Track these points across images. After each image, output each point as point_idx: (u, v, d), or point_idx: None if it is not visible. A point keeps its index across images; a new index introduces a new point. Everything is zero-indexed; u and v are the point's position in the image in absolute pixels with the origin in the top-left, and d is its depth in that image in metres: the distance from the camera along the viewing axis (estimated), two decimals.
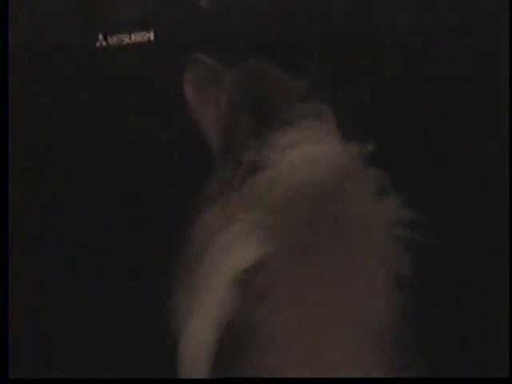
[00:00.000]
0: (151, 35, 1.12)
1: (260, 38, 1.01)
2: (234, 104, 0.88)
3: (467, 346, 0.97)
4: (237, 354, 0.76)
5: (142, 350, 1.03)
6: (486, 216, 1.06)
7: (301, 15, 1.14)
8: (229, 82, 0.90)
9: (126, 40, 1.12)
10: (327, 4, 1.15)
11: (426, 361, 0.75)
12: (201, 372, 0.79)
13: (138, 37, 1.12)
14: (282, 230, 0.80)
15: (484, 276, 1.03)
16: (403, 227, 0.79)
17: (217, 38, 1.07)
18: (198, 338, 0.81)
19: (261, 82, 0.89)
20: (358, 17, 1.15)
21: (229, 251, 0.82)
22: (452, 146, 1.10)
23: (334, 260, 0.77)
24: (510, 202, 1.02)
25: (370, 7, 1.15)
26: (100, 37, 1.11)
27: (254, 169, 0.84)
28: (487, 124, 1.12)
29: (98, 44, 1.11)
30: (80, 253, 1.12)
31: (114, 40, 1.11)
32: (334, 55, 1.11)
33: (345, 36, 1.13)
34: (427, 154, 1.09)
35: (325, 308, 0.75)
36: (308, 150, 0.83)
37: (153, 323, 0.87)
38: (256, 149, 0.84)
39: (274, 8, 1.14)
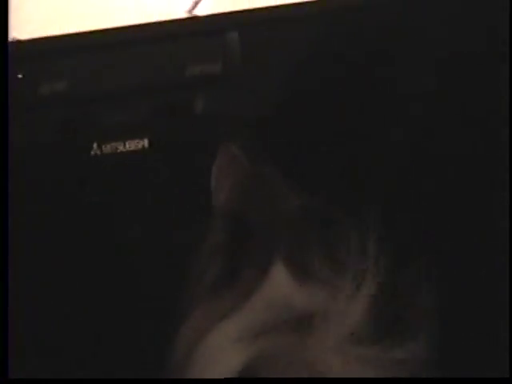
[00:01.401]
0: (145, 142, 1.13)
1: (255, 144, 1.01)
2: None
3: (467, 345, 0.97)
4: None
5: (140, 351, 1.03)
6: (486, 216, 1.06)
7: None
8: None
9: (121, 148, 1.13)
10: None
11: (426, 361, 0.76)
12: None
13: (133, 144, 1.13)
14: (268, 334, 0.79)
15: (484, 276, 1.03)
16: None
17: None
18: None
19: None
20: None
21: (212, 360, 0.82)
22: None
23: None
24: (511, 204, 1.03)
25: None
26: (94, 145, 1.12)
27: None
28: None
29: (92, 152, 1.12)
30: (80, 253, 1.12)
31: (108, 148, 1.12)
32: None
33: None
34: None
35: None
36: None
37: None
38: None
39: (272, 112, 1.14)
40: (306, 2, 1.16)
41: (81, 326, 1.07)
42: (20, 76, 1.09)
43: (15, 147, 1.00)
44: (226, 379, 0.75)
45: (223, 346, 0.81)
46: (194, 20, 1.22)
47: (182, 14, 1.23)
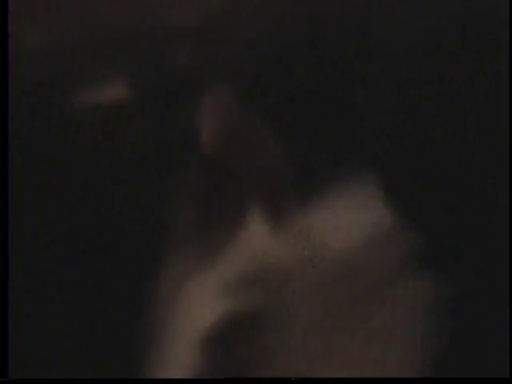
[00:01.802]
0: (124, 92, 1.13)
1: None
2: None
3: (467, 346, 0.97)
4: None
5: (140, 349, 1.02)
6: (486, 216, 1.06)
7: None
8: None
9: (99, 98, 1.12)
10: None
11: (426, 361, 0.75)
12: None
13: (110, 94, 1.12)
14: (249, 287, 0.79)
15: (483, 275, 1.03)
16: None
17: None
18: None
19: None
20: None
21: (189, 313, 0.81)
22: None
23: None
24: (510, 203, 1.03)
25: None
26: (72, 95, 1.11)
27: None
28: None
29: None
30: (80, 252, 1.12)
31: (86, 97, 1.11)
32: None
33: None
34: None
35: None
36: None
37: None
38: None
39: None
40: None
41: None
42: None
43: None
44: (226, 379, 0.74)
45: (201, 300, 0.80)
46: None
47: None
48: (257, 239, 0.80)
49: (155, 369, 0.80)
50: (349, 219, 0.82)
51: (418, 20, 1.17)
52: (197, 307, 0.78)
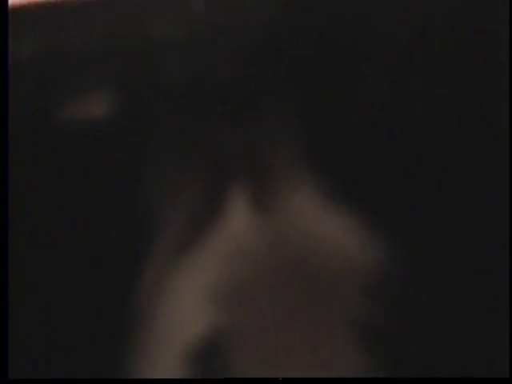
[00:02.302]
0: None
1: None
2: None
3: (467, 345, 0.97)
4: None
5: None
6: (485, 213, 1.06)
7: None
8: None
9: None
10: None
11: (426, 361, 0.75)
12: None
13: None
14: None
15: (483, 275, 1.03)
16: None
17: None
18: None
19: None
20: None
21: (172, 321, 0.80)
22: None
23: None
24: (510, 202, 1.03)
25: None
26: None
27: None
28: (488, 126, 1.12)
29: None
30: (80, 252, 1.12)
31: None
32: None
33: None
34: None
35: None
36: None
37: None
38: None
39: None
40: None
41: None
42: None
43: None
44: (226, 379, 0.74)
45: (183, 308, 0.79)
46: None
47: None
48: (240, 228, 0.78)
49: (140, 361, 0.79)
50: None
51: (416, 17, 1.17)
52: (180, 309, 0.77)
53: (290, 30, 1.13)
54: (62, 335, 1.11)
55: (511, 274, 1.00)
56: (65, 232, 1.12)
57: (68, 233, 1.11)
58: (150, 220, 0.85)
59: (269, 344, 0.71)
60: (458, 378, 0.79)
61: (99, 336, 1.07)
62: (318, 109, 1.06)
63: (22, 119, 1.09)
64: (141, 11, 1.16)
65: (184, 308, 0.75)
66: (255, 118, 0.85)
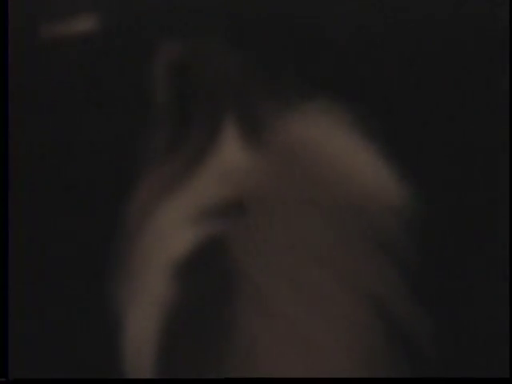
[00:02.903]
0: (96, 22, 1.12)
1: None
2: None
3: (467, 345, 0.97)
4: (180, 344, 0.73)
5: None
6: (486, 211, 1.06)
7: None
8: None
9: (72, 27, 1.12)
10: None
11: (426, 361, 0.75)
12: (145, 362, 0.76)
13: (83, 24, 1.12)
14: (224, 212, 0.75)
15: (484, 275, 1.03)
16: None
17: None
18: (139, 326, 0.78)
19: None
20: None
21: (162, 238, 0.78)
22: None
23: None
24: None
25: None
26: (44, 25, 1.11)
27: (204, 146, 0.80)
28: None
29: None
30: (79, 252, 1.12)
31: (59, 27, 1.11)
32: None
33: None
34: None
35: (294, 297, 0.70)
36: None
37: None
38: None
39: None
40: None
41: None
42: None
43: None
44: (226, 379, 0.74)
45: (172, 224, 0.78)
46: None
47: None
48: (231, 160, 0.78)
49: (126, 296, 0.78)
50: None
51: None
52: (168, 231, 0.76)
53: None
54: (63, 334, 1.11)
55: (511, 274, 1.00)
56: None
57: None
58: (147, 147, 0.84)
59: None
60: (458, 378, 0.79)
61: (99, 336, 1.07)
62: None
63: None
64: None
65: (172, 225, 0.76)
66: None
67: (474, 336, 0.98)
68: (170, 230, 0.78)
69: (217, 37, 0.89)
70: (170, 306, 0.74)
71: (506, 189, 1.02)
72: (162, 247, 0.78)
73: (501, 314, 0.97)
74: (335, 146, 0.78)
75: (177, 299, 0.74)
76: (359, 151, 0.78)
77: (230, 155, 0.80)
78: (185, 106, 0.82)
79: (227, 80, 0.83)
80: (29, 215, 1.09)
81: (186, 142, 0.81)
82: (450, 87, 1.10)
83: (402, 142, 0.91)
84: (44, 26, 1.12)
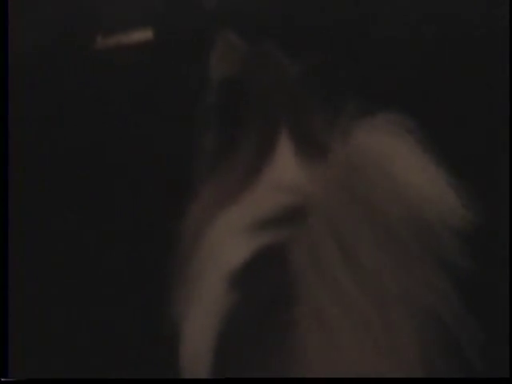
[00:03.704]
0: (149, 34, 1.13)
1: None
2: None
3: (467, 345, 0.97)
4: (238, 350, 0.73)
5: (142, 348, 1.03)
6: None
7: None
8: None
9: (125, 40, 1.12)
10: None
11: (426, 360, 0.75)
12: (202, 368, 0.77)
13: (137, 36, 1.12)
14: (278, 222, 0.76)
15: (484, 275, 1.03)
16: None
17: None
18: (197, 334, 0.79)
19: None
20: None
21: (218, 248, 0.79)
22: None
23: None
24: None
25: None
26: (99, 38, 1.11)
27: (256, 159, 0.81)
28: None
29: (96, 45, 1.12)
30: (79, 252, 1.12)
31: (112, 40, 1.12)
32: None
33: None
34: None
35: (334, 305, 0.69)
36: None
37: (153, 319, 0.86)
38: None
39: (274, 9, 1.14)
40: None
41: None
42: None
43: (16, 45, 0.97)
44: (226, 379, 0.74)
45: (229, 235, 0.79)
46: None
47: None
48: (287, 172, 0.79)
49: (181, 305, 0.79)
50: None
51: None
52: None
53: None
54: (64, 336, 1.11)
55: (511, 274, 1.00)
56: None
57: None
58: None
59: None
60: (459, 378, 0.79)
61: (99, 336, 1.07)
62: None
63: None
64: None
65: (228, 236, 0.77)
66: None
67: (474, 336, 0.98)
68: (226, 240, 0.79)
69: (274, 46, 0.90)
70: (227, 314, 0.75)
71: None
72: (218, 257, 0.79)
73: (501, 313, 0.97)
74: (395, 158, 0.78)
75: (233, 308, 0.75)
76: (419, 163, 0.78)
77: (285, 168, 0.80)
78: (240, 118, 0.83)
79: (283, 91, 0.83)
80: (87, 223, 1.11)
81: (240, 154, 0.82)
82: None
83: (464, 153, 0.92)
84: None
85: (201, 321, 0.79)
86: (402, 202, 0.71)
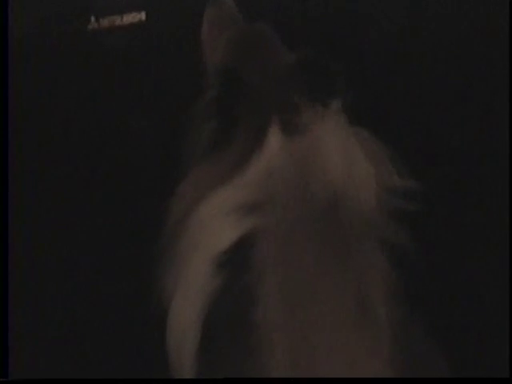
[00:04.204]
0: (143, 16, 1.13)
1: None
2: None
3: (467, 345, 0.97)
4: (224, 333, 0.75)
5: (142, 349, 1.03)
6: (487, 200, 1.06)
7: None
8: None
9: (118, 21, 1.12)
10: None
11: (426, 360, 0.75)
12: (188, 350, 0.78)
13: (130, 18, 1.12)
14: (265, 207, 0.77)
15: (484, 275, 1.03)
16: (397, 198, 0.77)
17: None
18: (183, 316, 0.80)
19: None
20: None
21: (206, 230, 0.80)
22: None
23: (325, 243, 0.74)
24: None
25: None
26: (92, 19, 1.12)
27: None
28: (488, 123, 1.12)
29: (90, 26, 1.12)
30: (79, 253, 1.12)
31: (105, 22, 1.12)
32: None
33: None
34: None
35: (314, 288, 0.73)
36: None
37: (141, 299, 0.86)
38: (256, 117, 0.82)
39: None
40: None
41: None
42: None
43: (13, 26, 0.96)
44: (226, 379, 0.74)
45: (217, 217, 0.79)
46: None
47: None
48: (277, 160, 0.79)
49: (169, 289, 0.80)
50: None
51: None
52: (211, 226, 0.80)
53: None
54: (64, 336, 1.11)
55: (511, 274, 1.00)
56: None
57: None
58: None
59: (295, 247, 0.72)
60: (459, 378, 0.79)
61: (98, 336, 1.07)
62: None
63: None
64: None
65: (217, 219, 0.78)
66: None
67: (474, 336, 0.99)
68: (213, 222, 0.80)
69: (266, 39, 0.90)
70: (213, 295, 0.76)
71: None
72: (205, 239, 0.80)
73: (501, 313, 0.97)
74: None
75: (219, 290, 0.76)
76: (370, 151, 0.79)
77: (275, 155, 0.81)
78: (233, 106, 0.83)
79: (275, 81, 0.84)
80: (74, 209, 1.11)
81: (233, 141, 0.82)
82: None
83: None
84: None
85: (187, 302, 0.79)
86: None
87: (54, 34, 1.11)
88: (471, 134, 1.10)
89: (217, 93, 0.84)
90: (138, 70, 1.14)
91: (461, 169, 1.08)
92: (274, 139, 0.81)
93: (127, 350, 1.03)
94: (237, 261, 0.76)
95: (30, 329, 1.05)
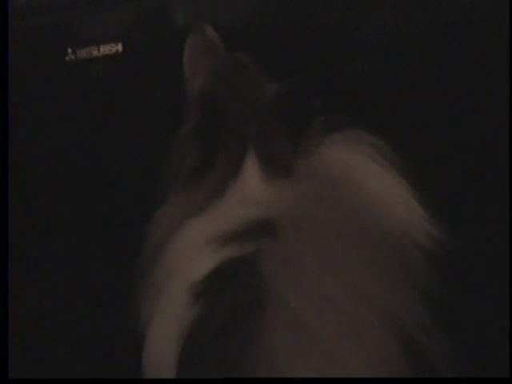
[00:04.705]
0: (119, 47, 1.13)
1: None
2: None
3: (467, 345, 0.97)
4: (201, 364, 0.75)
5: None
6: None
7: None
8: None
9: (95, 53, 1.12)
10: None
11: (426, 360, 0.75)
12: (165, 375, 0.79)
13: (107, 49, 1.12)
14: (240, 237, 0.78)
15: (484, 275, 1.03)
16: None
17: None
18: (160, 344, 0.80)
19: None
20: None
21: (183, 259, 0.81)
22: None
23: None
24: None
25: None
26: (69, 50, 1.12)
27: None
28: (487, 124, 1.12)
29: (67, 58, 1.12)
30: (78, 253, 1.12)
31: (83, 53, 1.12)
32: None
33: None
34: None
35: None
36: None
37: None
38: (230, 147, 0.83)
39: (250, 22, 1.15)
40: None
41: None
42: None
43: None
44: (226, 379, 0.74)
45: (194, 246, 0.80)
46: None
47: None
48: (253, 187, 0.81)
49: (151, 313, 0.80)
50: None
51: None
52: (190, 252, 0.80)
53: None
54: (64, 336, 1.11)
55: (511, 274, 1.00)
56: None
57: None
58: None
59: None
60: (459, 378, 0.79)
61: (98, 336, 1.07)
62: None
63: None
64: None
65: (193, 248, 0.79)
66: None
67: (474, 336, 0.99)
68: (190, 252, 0.80)
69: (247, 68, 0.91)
70: (190, 323, 0.76)
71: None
72: (182, 268, 0.80)
73: (501, 313, 0.97)
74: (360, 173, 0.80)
75: (196, 318, 0.76)
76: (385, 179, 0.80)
77: (251, 184, 0.82)
78: (213, 134, 0.84)
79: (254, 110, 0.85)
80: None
81: (211, 169, 0.83)
82: None
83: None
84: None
85: (164, 330, 0.80)
86: (363, 213, 0.74)
87: (31, 65, 1.11)
88: None
89: (197, 120, 0.86)
90: (116, 100, 1.14)
91: None
92: (252, 168, 0.82)
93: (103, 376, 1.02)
94: (213, 291, 0.76)
95: (30, 329, 1.05)
